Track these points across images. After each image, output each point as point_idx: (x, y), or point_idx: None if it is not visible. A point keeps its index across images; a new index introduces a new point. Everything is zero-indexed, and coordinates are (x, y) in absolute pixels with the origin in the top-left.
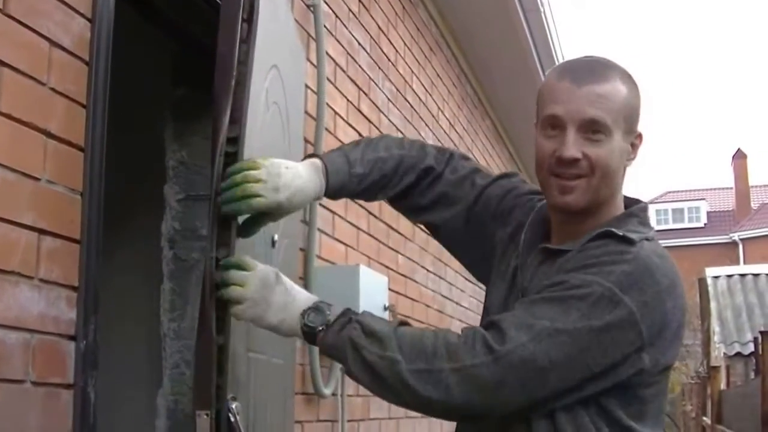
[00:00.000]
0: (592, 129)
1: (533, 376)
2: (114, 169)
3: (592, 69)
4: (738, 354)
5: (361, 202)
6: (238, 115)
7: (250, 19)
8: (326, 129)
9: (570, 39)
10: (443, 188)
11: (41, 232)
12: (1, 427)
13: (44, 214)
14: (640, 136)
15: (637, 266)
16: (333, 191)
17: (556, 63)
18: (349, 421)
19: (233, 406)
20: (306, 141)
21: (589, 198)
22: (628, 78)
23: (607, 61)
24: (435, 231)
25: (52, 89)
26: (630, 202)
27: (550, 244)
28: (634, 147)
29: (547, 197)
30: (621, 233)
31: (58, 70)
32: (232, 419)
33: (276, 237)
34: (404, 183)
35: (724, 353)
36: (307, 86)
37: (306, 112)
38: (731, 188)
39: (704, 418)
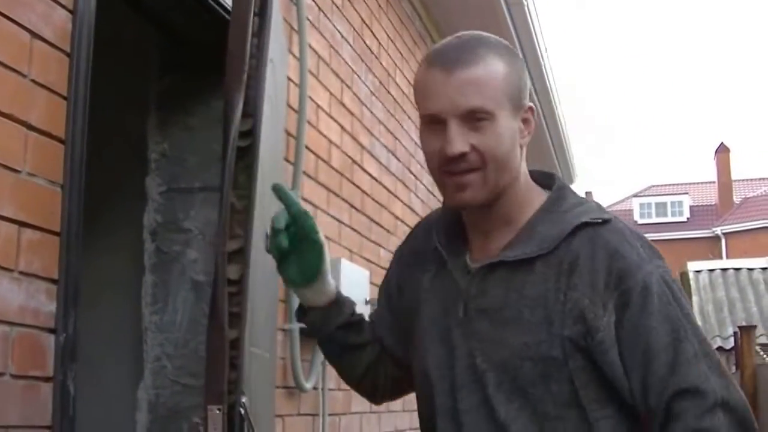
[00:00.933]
0: (474, 118)
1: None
2: (95, 161)
3: (462, 51)
4: (719, 348)
5: (344, 195)
6: (250, 110)
7: (263, 12)
8: (308, 122)
9: (555, 32)
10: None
11: (21, 224)
12: None
13: (24, 206)
14: (530, 109)
15: (637, 235)
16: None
17: (540, 56)
18: (330, 415)
19: (243, 401)
20: (288, 134)
21: (487, 191)
22: (504, 52)
23: (479, 37)
24: (396, 355)
25: (33, 81)
26: (540, 175)
27: (471, 242)
28: (527, 122)
29: (444, 197)
30: (600, 219)
31: (39, 62)
32: (245, 414)
33: (268, 231)
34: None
35: None
36: (289, 79)
37: (288, 105)
38: (714, 182)
39: None
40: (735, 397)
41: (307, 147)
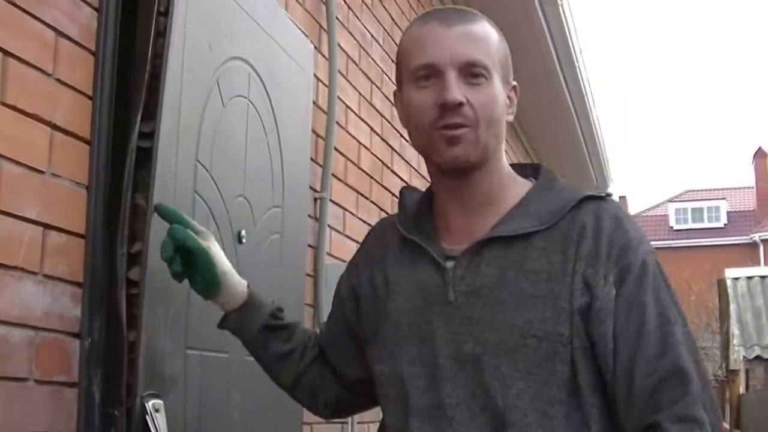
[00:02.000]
0: (472, 72)
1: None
2: (121, 163)
3: (459, 12)
4: (758, 357)
5: (374, 198)
6: (152, 110)
7: (168, 12)
8: (337, 123)
9: (590, 31)
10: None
11: (46, 226)
12: (4, 425)
13: (49, 208)
14: (515, 88)
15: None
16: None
17: (574, 57)
18: (359, 423)
19: (149, 404)
20: (316, 135)
21: (479, 152)
22: (495, 27)
23: (470, 9)
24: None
25: (58, 80)
26: (517, 166)
27: (444, 229)
28: (511, 101)
29: (434, 156)
30: (603, 194)
31: (64, 61)
32: (149, 417)
33: (243, 232)
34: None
35: (744, 356)
36: (318, 79)
37: (317, 106)
38: (752, 188)
39: (723, 423)
40: (709, 392)
41: (336, 148)
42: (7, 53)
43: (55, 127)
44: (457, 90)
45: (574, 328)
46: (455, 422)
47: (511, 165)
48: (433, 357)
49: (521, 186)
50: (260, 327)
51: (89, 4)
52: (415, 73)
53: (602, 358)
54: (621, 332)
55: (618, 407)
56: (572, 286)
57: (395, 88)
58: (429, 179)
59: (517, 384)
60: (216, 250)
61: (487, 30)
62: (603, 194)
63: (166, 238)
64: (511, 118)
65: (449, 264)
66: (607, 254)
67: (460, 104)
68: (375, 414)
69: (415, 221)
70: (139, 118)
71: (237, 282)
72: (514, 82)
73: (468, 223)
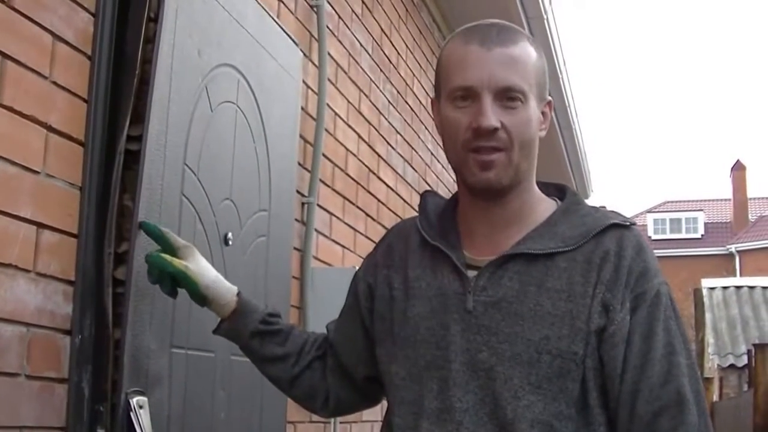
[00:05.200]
0: (508, 96)
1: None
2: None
3: (500, 31)
4: (732, 366)
5: (360, 203)
6: (141, 114)
7: (158, 18)
8: (326, 130)
9: (571, 44)
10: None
11: (39, 225)
12: None
13: (43, 207)
14: (550, 103)
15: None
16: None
17: (558, 70)
18: (341, 422)
19: (134, 401)
20: (305, 140)
21: (511, 174)
22: (533, 43)
23: (510, 25)
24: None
25: (54, 83)
26: (542, 185)
27: (468, 239)
28: (545, 116)
29: (465, 177)
30: (628, 222)
31: (61, 64)
32: (133, 413)
33: (230, 235)
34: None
35: (718, 365)
36: (307, 86)
37: (306, 112)
38: (729, 200)
39: None
40: (706, 422)
41: (324, 154)
42: (5, 56)
43: (51, 129)
44: (492, 115)
45: (588, 349)
46: (463, 427)
47: (536, 183)
48: (447, 362)
49: (547, 205)
50: (251, 333)
51: (86, 10)
52: (452, 92)
53: (610, 380)
54: (629, 357)
55: (619, 429)
56: (591, 308)
57: (432, 95)
58: (414, 187)
59: (528, 397)
60: (196, 268)
61: (526, 51)
62: (628, 223)
63: (150, 265)
64: (543, 134)
65: (471, 273)
66: (626, 281)
67: (495, 129)
68: (356, 415)
69: (439, 227)
70: (127, 121)
71: (225, 291)
72: (549, 98)
73: (493, 236)
